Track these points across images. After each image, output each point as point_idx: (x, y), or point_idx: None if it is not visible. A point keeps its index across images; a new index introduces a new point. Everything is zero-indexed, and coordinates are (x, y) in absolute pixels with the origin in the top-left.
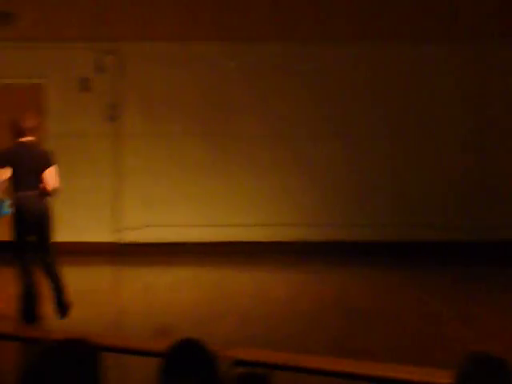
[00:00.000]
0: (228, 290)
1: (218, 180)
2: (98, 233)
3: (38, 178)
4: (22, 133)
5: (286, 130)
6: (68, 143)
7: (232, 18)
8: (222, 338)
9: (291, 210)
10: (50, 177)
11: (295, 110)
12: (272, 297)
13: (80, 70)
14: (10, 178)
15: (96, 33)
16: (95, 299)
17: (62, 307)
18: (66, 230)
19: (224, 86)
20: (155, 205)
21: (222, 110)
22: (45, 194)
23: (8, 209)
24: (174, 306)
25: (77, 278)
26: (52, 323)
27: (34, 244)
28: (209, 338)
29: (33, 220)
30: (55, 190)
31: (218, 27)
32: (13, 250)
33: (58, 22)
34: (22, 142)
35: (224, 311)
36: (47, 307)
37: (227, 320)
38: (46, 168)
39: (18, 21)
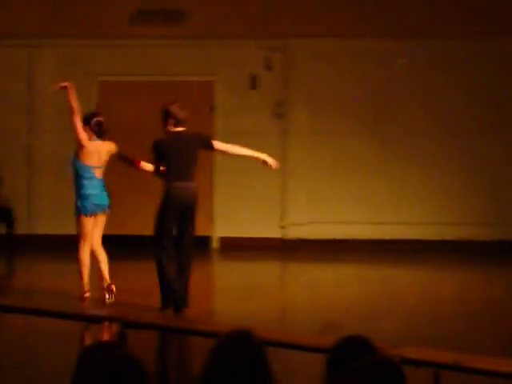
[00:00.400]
0: (392, 288)
1: (382, 178)
2: (265, 229)
3: (192, 169)
4: (179, 123)
5: (454, 128)
6: (235, 140)
7: (401, 15)
8: (388, 335)
9: (457, 208)
10: (223, 145)
11: (464, 108)
12: (437, 295)
13: (249, 68)
14: (166, 168)
15: (265, 30)
16: (261, 294)
17: (179, 303)
18: (235, 225)
19: (391, 84)
20: (320, 202)
21: (388, 109)
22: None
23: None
24: (339, 303)
25: (243, 273)
26: (218, 317)
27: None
28: (374, 335)
29: (186, 211)
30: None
31: (387, 24)
32: (156, 240)
33: (228, 19)
34: (178, 132)
35: (389, 309)
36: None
37: (392, 317)
38: (208, 147)
39: (188, 19)
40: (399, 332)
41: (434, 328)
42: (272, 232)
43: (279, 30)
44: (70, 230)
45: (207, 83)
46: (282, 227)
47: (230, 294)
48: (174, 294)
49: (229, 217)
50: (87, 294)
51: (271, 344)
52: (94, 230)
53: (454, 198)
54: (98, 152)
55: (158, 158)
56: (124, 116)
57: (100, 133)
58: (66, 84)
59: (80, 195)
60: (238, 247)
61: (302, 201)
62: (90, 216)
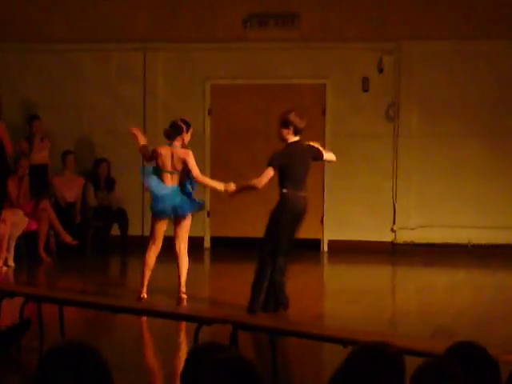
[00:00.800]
0: (506, 294)
1: (496, 181)
2: (375, 232)
3: (306, 179)
4: (298, 132)
5: None
6: (347, 143)
7: None
8: (502, 340)
9: None
10: (329, 155)
11: None
12: None
13: (361, 70)
14: (282, 177)
15: (376, 33)
16: (370, 298)
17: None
18: (345, 228)
19: (505, 86)
20: (431, 205)
21: (502, 110)
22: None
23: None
24: (451, 307)
25: (353, 277)
26: (327, 320)
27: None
28: (488, 340)
29: (299, 220)
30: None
31: (500, 24)
32: (267, 245)
33: (340, 22)
34: (296, 142)
35: (503, 314)
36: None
37: (506, 323)
38: (318, 159)
39: (300, 22)
40: None
41: None
42: (382, 235)
43: (391, 32)
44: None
45: (319, 86)
46: (393, 231)
47: (340, 297)
48: (276, 296)
49: (339, 220)
50: (143, 295)
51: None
52: (175, 233)
53: None
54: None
55: (276, 167)
56: (236, 119)
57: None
58: (133, 130)
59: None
60: (347, 250)
61: (413, 204)
62: (159, 218)
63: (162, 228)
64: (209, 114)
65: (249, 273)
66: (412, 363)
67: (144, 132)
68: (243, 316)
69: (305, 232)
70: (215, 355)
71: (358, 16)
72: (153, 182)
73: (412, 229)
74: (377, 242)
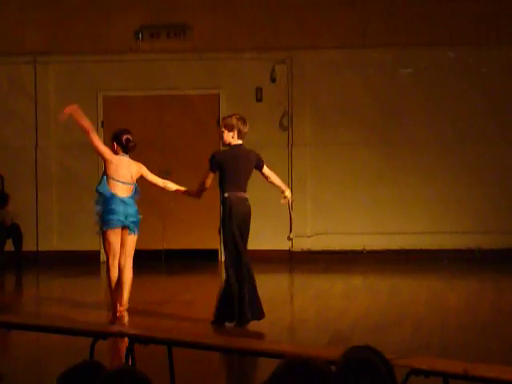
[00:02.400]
0: (402, 298)
1: (389, 187)
2: (273, 241)
3: (247, 181)
4: (241, 136)
5: (459, 135)
6: None
7: (404, 24)
8: (397, 345)
9: (464, 216)
10: (271, 173)
11: (469, 116)
12: (447, 305)
13: (254, 80)
14: (221, 180)
15: (269, 43)
16: (269, 306)
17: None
18: None
19: (397, 93)
20: (327, 213)
21: (393, 118)
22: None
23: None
24: (348, 313)
25: None
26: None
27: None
28: (383, 345)
29: (241, 222)
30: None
31: (390, 33)
32: (225, 254)
33: (232, 32)
34: (240, 146)
35: (398, 319)
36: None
37: (401, 328)
38: (259, 167)
39: (192, 33)
40: (408, 342)
41: (443, 338)
42: (279, 244)
43: (283, 42)
44: (78, 245)
45: (212, 96)
46: (290, 239)
47: None
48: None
49: None
50: (119, 314)
51: (278, 356)
52: (121, 246)
53: (464, 206)
54: (126, 168)
55: (214, 169)
56: (130, 131)
57: (127, 150)
58: (69, 109)
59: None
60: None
61: (308, 212)
62: (113, 227)
63: (118, 240)
64: (102, 126)
65: (146, 284)
66: None
67: (36, 146)
68: (140, 329)
69: (202, 243)
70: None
71: (250, 26)
72: (104, 188)
73: (308, 236)
74: (274, 250)
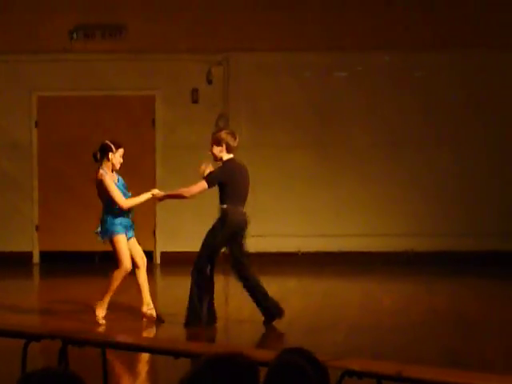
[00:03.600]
0: (336, 300)
1: (325, 190)
2: None
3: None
4: (230, 150)
5: (394, 138)
6: (177, 154)
7: (340, 28)
8: (331, 347)
9: (399, 219)
10: None
11: (403, 119)
12: (380, 307)
13: (190, 82)
14: (222, 193)
15: (205, 44)
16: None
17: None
18: (179, 240)
19: (332, 96)
20: (262, 215)
21: (330, 120)
22: None
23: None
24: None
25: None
26: (161, 333)
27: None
28: (317, 347)
29: (242, 234)
30: None
31: (326, 37)
32: (205, 257)
33: (168, 33)
34: (233, 159)
35: (332, 321)
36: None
37: (335, 330)
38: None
39: (128, 33)
40: (342, 344)
41: (376, 339)
42: None
43: (219, 44)
44: (10, 247)
45: (148, 97)
46: None
47: (171, 308)
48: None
49: (171, 232)
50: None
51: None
52: None
53: (394, 209)
54: None
55: (214, 184)
56: (65, 131)
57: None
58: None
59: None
60: (180, 262)
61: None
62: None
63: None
64: (36, 126)
65: (81, 286)
66: None
67: None
68: (73, 330)
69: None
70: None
71: (187, 28)
72: None
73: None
74: None
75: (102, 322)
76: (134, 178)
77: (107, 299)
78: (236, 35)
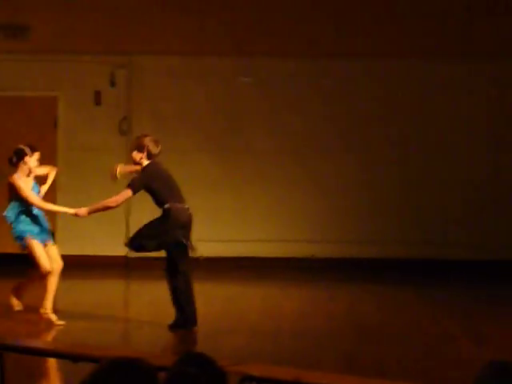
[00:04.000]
0: (236, 306)
1: (228, 195)
2: (110, 246)
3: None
4: (151, 157)
5: (299, 145)
6: (79, 157)
7: (245, 33)
8: (231, 353)
9: (301, 225)
10: None
11: (307, 125)
12: (281, 313)
13: (93, 84)
14: (159, 194)
15: (109, 46)
16: (105, 312)
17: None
18: (80, 243)
19: (237, 101)
20: None
21: (234, 125)
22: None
23: None
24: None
25: (86, 292)
26: (60, 336)
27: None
28: (217, 352)
29: (188, 230)
30: None
31: (232, 42)
32: (178, 256)
33: (72, 35)
34: (154, 162)
35: (232, 327)
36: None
37: (236, 335)
38: None
39: (32, 33)
40: (242, 349)
41: (276, 345)
42: (116, 249)
43: (123, 46)
44: None
45: (50, 99)
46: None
47: (72, 312)
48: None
49: (72, 234)
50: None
51: None
52: None
53: (296, 215)
54: None
55: (140, 190)
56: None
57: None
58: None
59: None
60: (80, 265)
61: (145, 219)
62: None
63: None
64: None
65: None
66: None
67: None
68: None
69: None
70: None
71: (90, 29)
72: None
73: None
74: (110, 256)
75: (60, 322)
76: (35, 181)
77: (49, 301)
78: (139, 38)
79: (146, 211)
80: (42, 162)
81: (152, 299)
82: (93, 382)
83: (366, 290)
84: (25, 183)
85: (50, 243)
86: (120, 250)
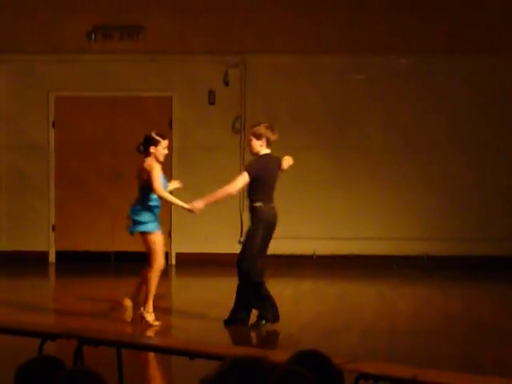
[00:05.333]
0: (350, 303)
1: (340, 193)
2: (224, 244)
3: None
4: (269, 144)
5: (411, 143)
6: (194, 155)
7: (358, 30)
8: (345, 350)
9: (414, 223)
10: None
11: (421, 123)
12: (395, 310)
13: (207, 83)
14: (254, 189)
15: (222, 46)
16: (220, 311)
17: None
18: (195, 241)
19: (349, 99)
20: (279, 217)
21: (346, 124)
22: None
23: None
24: (297, 318)
25: (202, 289)
26: (176, 334)
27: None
28: (332, 350)
29: (272, 232)
30: None
31: (344, 39)
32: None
33: (186, 35)
34: (268, 154)
35: (347, 324)
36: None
37: (350, 333)
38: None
39: (146, 34)
40: (357, 347)
41: (391, 343)
42: (230, 247)
43: (236, 45)
44: (26, 246)
45: (165, 99)
46: (241, 242)
47: (187, 310)
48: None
49: (187, 233)
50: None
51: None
52: None
53: (409, 213)
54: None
55: (251, 176)
56: (81, 132)
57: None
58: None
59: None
60: (195, 263)
61: None
62: None
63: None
64: (53, 126)
65: (95, 286)
66: None
67: None
68: (89, 330)
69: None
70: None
71: (204, 29)
72: None
73: None
74: (225, 254)
75: (156, 323)
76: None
77: (151, 302)
78: (253, 37)
79: None
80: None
81: None
82: (219, 377)
83: (481, 288)
84: (158, 172)
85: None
86: (234, 247)
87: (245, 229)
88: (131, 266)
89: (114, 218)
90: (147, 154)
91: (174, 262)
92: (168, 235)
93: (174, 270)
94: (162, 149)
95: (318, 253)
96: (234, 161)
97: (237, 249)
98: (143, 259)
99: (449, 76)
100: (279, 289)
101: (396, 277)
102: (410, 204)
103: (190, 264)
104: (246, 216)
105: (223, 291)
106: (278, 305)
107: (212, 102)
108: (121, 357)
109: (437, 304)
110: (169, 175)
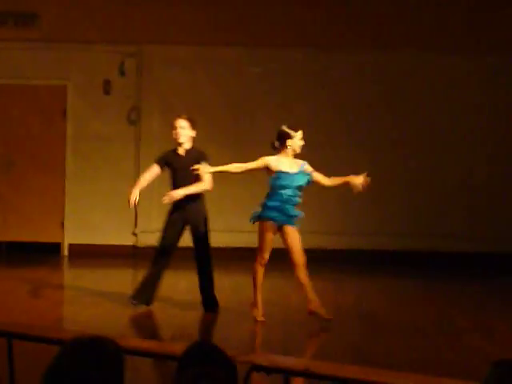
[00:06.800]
0: (244, 296)
1: (235, 187)
2: (118, 235)
3: None
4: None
5: (307, 136)
6: (88, 146)
7: (256, 24)
8: (239, 342)
9: (308, 217)
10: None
11: (317, 117)
12: (289, 303)
13: (102, 73)
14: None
15: (118, 35)
16: (113, 301)
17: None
18: (88, 232)
19: (246, 92)
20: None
21: (243, 116)
22: None
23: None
24: (191, 310)
25: (94, 280)
26: (69, 325)
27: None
28: (225, 342)
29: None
30: None
31: (241, 32)
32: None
33: (81, 24)
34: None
35: (240, 317)
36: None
37: (244, 325)
38: None
39: (42, 22)
40: (251, 340)
41: (284, 335)
42: (124, 239)
43: (133, 35)
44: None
45: (59, 87)
46: (135, 234)
47: (80, 301)
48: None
49: (80, 224)
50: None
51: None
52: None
53: (304, 207)
54: None
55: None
56: None
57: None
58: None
59: None
60: (89, 254)
61: (154, 209)
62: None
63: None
64: None
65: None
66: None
67: None
68: None
69: (44, 236)
70: None
71: (100, 18)
72: None
73: (153, 232)
74: (118, 245)
75: (261, 319)
76: (44, 170)
77: (259, 297)
78: (150, 27)
79: (153, 200)
80: (52, 150)
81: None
82: (56, 363)
83: (373, 282)
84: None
85: (292, 229)
86: (128, 239)
87: (139, 221)
88: (22, 256)
89: (5, 207)
90: (282, 148)
91: (66, 253)
92: (61, 226)
93: (66, 261)
94: (297, 140)
95: (213, 245)
96: (128, 152)
97: (131, 241)
98: (35, 250)
99: (345, 71)
100: (173, 281)
101: (290, 270)
102: (306, 198)
103: (84, 255)
104: (142, 207)
105: (114, 282)
106: (172, 296)
107: (107, 92)
108: (12, 348)
109: (330, 298)
110: (62, 166)
